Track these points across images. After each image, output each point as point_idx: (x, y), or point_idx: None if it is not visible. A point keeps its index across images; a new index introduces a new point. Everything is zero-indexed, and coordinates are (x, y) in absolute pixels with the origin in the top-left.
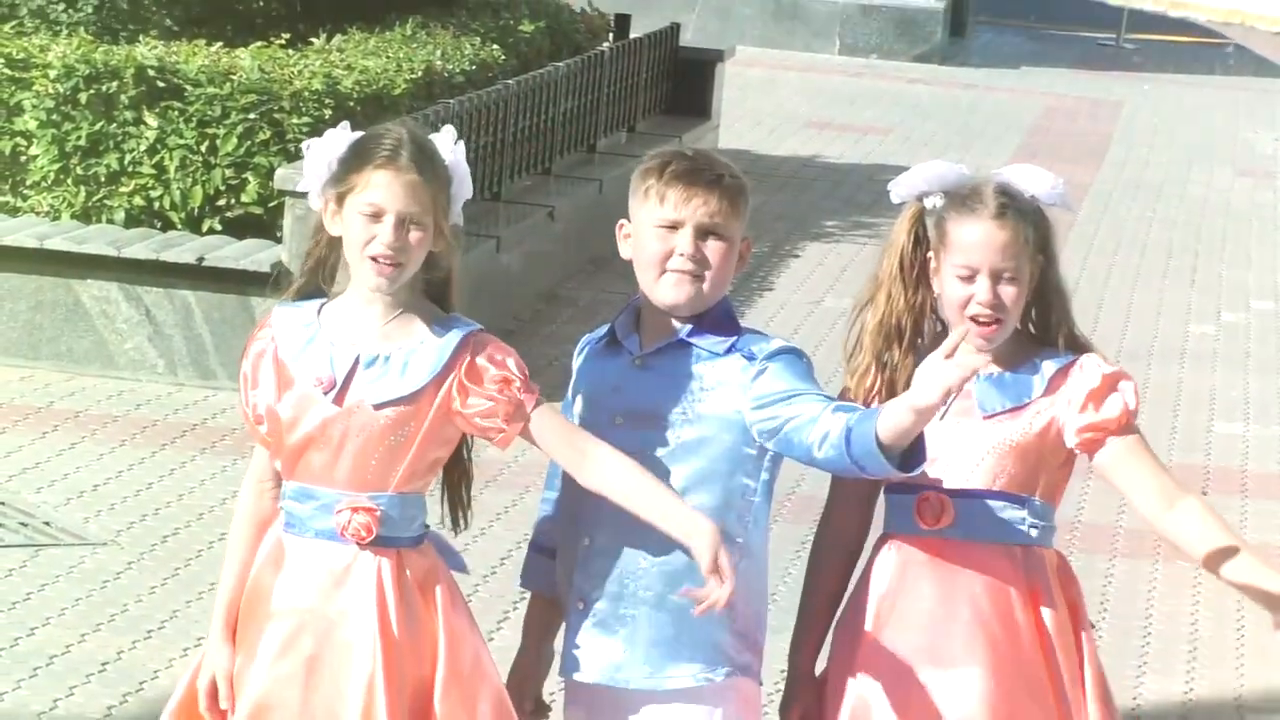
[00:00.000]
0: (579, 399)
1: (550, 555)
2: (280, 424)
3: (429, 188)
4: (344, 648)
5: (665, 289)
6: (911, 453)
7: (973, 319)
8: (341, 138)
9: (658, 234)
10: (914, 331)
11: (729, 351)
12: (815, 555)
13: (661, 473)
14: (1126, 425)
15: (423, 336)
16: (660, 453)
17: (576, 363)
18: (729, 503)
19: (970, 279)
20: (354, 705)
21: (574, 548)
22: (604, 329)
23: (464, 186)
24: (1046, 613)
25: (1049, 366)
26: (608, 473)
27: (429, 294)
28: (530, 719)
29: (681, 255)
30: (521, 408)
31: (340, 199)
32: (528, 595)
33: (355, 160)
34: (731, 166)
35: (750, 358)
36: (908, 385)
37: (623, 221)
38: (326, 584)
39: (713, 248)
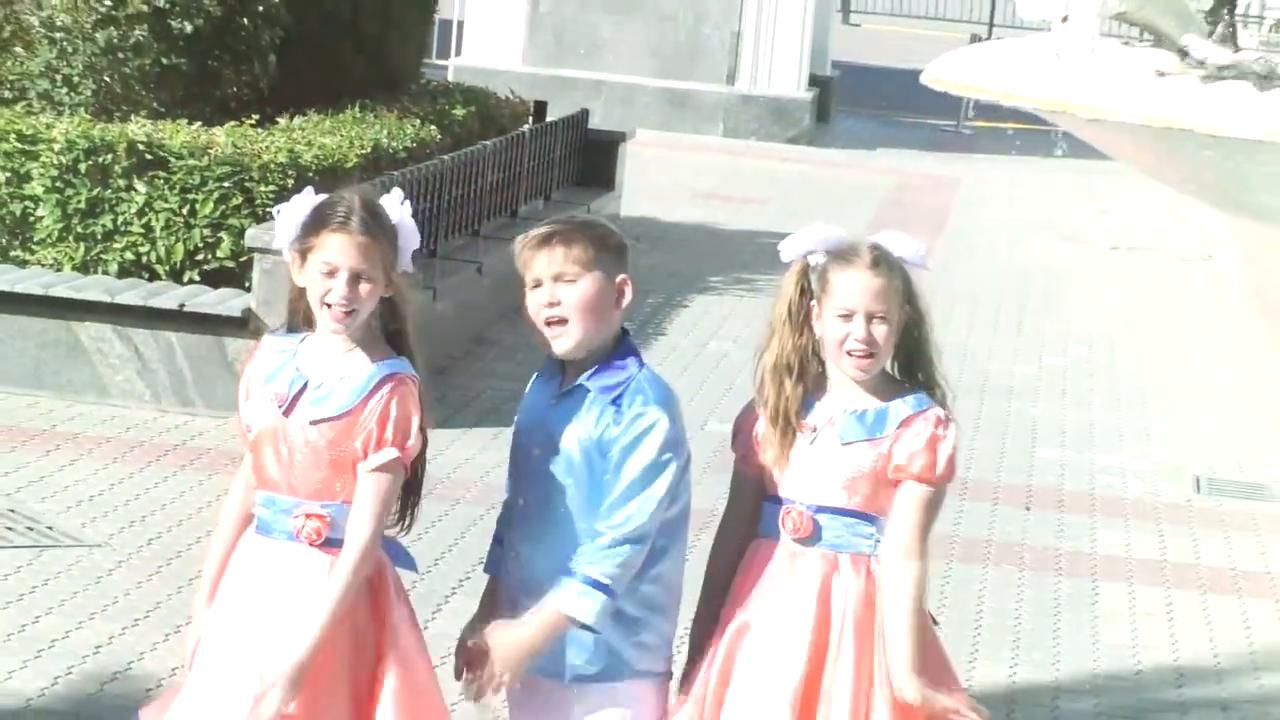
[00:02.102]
0: (516, 428)
1: None
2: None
3: (377, 246)
4: (289, 624)
5: (551, 343)
6: None
7: (849, 353)
8: (305, 202)
9: (531, 294)
10: (802, 369)
11: (615, 401)
12: (715, 546)
13: (569, 499)
14: (924, 477)
15: (362, 368)
16: (567, 481)
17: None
18: None
19: (848, 319)
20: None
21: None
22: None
23: (411, 239)
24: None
25: (903, 409)
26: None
27: (389, 336)
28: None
29: (547, 306)
30: (384, 455)
31: (303, 255)
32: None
33: (314, 224)
34: (574, 218)
35: (617, 414)
36: (799, 414)
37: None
38: (283, 576)
39: (565, 291)
